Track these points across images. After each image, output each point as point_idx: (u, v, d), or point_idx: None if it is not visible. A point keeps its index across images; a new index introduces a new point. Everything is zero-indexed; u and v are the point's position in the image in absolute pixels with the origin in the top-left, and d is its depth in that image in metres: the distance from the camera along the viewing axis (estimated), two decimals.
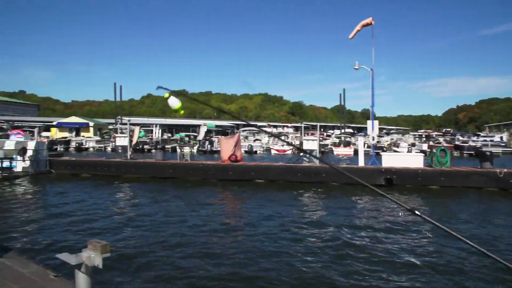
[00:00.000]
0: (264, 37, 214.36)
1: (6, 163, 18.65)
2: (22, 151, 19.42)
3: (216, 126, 70.99)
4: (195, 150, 33.92)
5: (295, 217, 11.32)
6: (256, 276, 6.47)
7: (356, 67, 20.87)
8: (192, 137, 60.89)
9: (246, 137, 54.79)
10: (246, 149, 42.00)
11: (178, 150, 22.84)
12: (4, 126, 26.26)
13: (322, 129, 67.52)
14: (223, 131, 66.76)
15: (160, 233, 9.16)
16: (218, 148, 42.87)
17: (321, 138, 37.44)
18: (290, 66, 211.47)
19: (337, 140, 53.18)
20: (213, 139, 48.09)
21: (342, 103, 68.23)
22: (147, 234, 9.05)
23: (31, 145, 20.17)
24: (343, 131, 61.97)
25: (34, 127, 25.08)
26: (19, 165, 19.48)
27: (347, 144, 45.23)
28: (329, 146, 45.83)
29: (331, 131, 76.19)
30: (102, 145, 48.50)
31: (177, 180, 19.18)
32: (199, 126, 76.14)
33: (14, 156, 19.19)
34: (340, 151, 41.39)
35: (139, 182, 18.50)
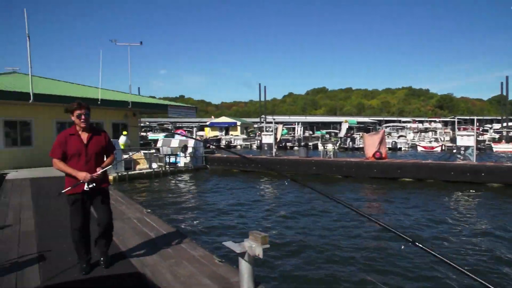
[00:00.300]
0: (406, 26, 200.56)
1: (172, 159, 21.45)
2: (184, 148, 22.06)
3: (358, 122, 69.20)
4: (336, 147, 33.75)
5: (462, 223, 10.37)
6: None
7: None
8: (333, 134, 60.61)
9: (389, 134, 52.13)
10: (390, 146, 40.00)
11: (321, 147, 23.04)
12: (169, 127, 30.33)
13: (477, 123, 60.11)
14: (365, 128, 64.63)
15: (309, 229, 9.40)
16: (360, 145, 41.86)
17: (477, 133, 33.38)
18: (436, 56, 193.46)
19: (496, 136, 46.71)
20: (355, 136, 47.04)
21: (504, 93, 59.35)
22: (296, 227, 9.39)
23: (191, 143, 22.75)
24: (504, 124, 54.00)
25: (191, 127, 28.16)
26: (182, 161, 22.16)
27: (510, 139, 39.34)
28: (487, 142, 40.57)
29: (489, 125, 67.16)
30: (248, 143, 51.88)
31: (320, 177, 19.40)
32: (340, 123, 75.40)
33: (178, 153, 21.94)
34: (501, 147, 36.25)
35: (284, 178, 19.25)
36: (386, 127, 59.39)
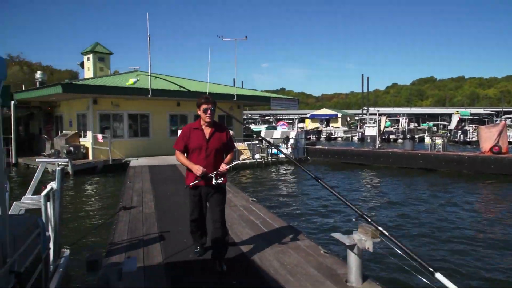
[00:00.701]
0: None
1: (274, 150, 21.93)
2: (286, 139, 22.38)
3: (471, 114, 63.04)
4: (445, 140, 31.25)
5: None
6: None
7: None
8: (441, 126, 56.18)
9: (510, 126, 46.52)
10: (510, 139, 35.72)
11: (429, 140, 21.54)
12: (270, 119, 31.06)
13: None
14: (480, 120, 58.67)
15: (420, 224, 8.93)
16: (473, 139, 38.17)
17: None
18: None
19: None
20: (467, 128, 42.99)
21: None
22: (403, 221, 8.99)
23: (292, 134, 22.99)
24: None
25: (292, 119, 28.42)
26: (283, 151, 22.50)
27: None
28: None
29: None
30: (349, 135, 50.64)
31: (427, 171, 18.19)
32: (449, 114, 69.43)
33: (280, 144, 22.34)
34: None
35: (388, 172, 18.46)
36: (506, 118, 53.07)
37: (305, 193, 13.11)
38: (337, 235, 4.29)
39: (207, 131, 4.35)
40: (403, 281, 5.53)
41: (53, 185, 4.30)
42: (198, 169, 4.17)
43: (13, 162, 19.73)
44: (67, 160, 14.31)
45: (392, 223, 9.09)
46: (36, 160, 5.14)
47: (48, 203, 4.28)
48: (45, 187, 4.30)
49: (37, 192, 4.46)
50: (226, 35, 23.17)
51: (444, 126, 53.75)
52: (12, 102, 20.34)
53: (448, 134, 40.84)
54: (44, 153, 20.41)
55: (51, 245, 4.18)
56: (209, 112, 4.26)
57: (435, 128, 53.53)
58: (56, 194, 4.27)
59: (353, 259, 3.94)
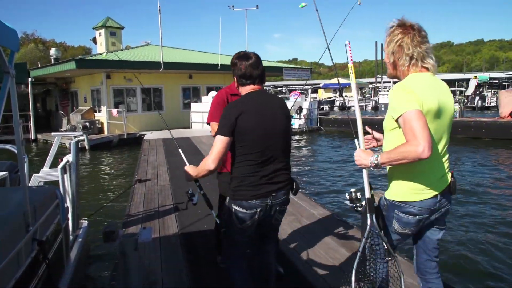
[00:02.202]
0: None
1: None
2: (299, 110, 22.23)
3: (490, 78, 61.24)
4: (462, 106, 30.63)
5: None
6: None
7: None
8: (457, 92, 54.90)
9: None
10: None
11: None
12: (283, 90, 30.82)
13: None
14: (499, 84, 57.07)
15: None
16: (492, 104, 37.31)
17: None
18: None
19: None
20: (485, 93, 41.93)
21: None
22: None
23: (305, 104, 22.80)
24: None
25: (305, 89, 28.18)
26: (297, 123, 22.43)
27: None
28: None
29: None
30: (362, 104, 49.99)
31: None
32: (466, 80, 67.59)
33: (293, 115, 22.22)
34: None
35: None
36: None
37: (318, 164, 13.12)
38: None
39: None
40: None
41: (69, 157, 4.40)
42: None
43: (32, 138, 20.14)
44: (82, 133, 14.52)
45: None
46: (52, 134, 5.24)
47: (65, 175, 4.39)
48: (62, 160, 4.40)
49: (54, 165, 4.57)
50: (237, 5, 22.76)
51: (461, 92, 52.49)
52: (29, 79, 20.59)
53: (465, 100, 39.94)
54: (61, 129, 20.77)
55: (69, 215, 4.31)
56: None
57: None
58: (72, 166, 4.37)
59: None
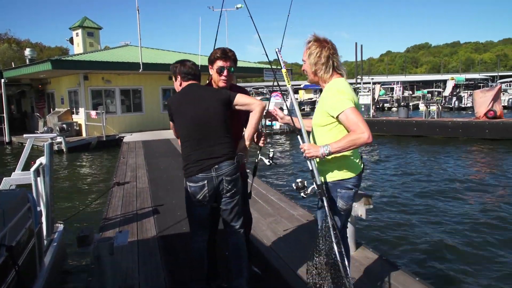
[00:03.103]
0: None
1: (268, 122, 21.83)
2: (280, 110, 22.26)
3: (466, 79, 62.78)
4: (440, 107, 31.28)
5: None
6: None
7: None
8: (435, 93, 56.04)
9: (505, 90, 46.45)
10: (506, 104, 35.85)
11: (423, 107, 21.51)
12: (264, 91, 30.86)
13: None
14: (475, 85, 58.47)
15: (411, 191, 9.01)
16: (468, 105, 38.18)
17: None
18: None
19: None
20: (462, 94, 42.91)
21: None
22: (396, 192, 9.05)
23: (286, 105, 22.86)
24: None
25: (286, 90, 28.33)
26: (277, 123, 22.45)
27: None
28: None
29: None
30: None
31: (421, 138, 18.25)
32: (443, 81, 69.08)
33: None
34: None
35: (382, 140, 18.53)
36: (502, 83, 52.95)
37: (301, 164, 13.16)
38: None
39: None
40: (395, 248, 5.61)
41: (42, 160, 4.26)
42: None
43: (7, 140, 19.60)
44: (56, 134, 14.12)
45: (384, 193, 9.17)
46: (24, 136, 5.08)
47: (38, 178, 4.26)
48: (35, 163, 4.26)
49: (28, 168, 4.43)
50: (217, 6, 22.66)
51: (439, 93, 53.58)
52: (2, 80, 20.02)
53: (443, 101, 40.79)
54: (38, 131, 20.25)
55: (43, 219, 4.18)
56: (225, 73, 2.94)
57: (429, 95, 53.38)
58: (45, 169, 4.24)
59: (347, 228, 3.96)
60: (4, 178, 4.32)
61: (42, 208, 4.23)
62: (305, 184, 2.53)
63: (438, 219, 6.84)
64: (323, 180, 2.53)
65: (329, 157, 2.41)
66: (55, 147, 15.89)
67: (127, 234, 3.44)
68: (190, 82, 2.95)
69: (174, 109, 2.83)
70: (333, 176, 2.50)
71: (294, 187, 2.56)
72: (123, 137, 17.60)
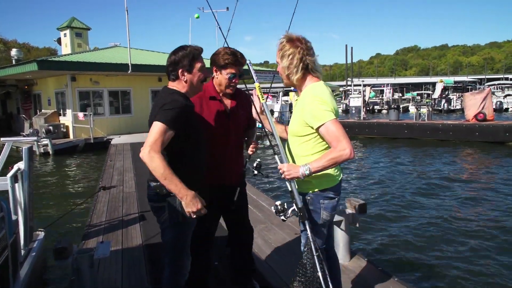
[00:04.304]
0: None
1: (258, 124, 21.68)
2: (271, 112, 22.14)
3: (455, 82, 63.36)
4: (430, 109, 31.42)
5: None
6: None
7: None
8: (425, 95, 56.43)
9: (493, 93, 46.92)
10: (495, 107, 36.11)
11: (414, 110, 21.54)
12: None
13: None
14: (463, 88, 59.05)
15: (404, 197, 8.89)
16: (457, 107, 38.44)
17: None
18: None
19: None
20: (451, 97, 43.23)
21: None
22: (389, 198, 8.92)
23: (276, 107, 22.73)
24: None
25: (276, 92, 28.17)
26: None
27: None
28: None
29: None
30: None
31: (412, 141, 18.24)
32: (432, 83, 69.58)
33: None
34: None
35: (373, 143, 18.49)
36: (490, 85, 53.47)
37: None
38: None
39: (228, 102, 2.82)
40: (389, 256, 5.46)
41: (20, 165, 4.03)
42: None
43: None
44: (36, 138, 13.74)
45: (377, 198, 9.05)
46: (1, 139, 4.83)
47: (16, 184, 4.03)
48: (12, 168, 4.03)
49: (5, 174, 4.19)
50: (207, 7, 22.42)
51: (428, 95, 53.92)
52: None
53: (432, 103, 41.01)
54: (23, 133, 19.81)
55: (21, 228, 3.95)
56: (235, 81, 2.75)
57: (419, 98, 53.73)
58: (24, 174, 4.01)
59: (340, 235, 3.81)
60: None
61: (20, 216, 4.00)
62: (285, 207, 2.35)
63: (434, 226, 6.71)
64: (306, 191, 2.37)
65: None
66: (41, 150, 15.53)
67: (109, 245, 3.24)
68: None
69: None
70: (314, 187, 2.34)
71: (274, 210, 2.37)
72: (111, 139, 17.28)
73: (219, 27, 3.32)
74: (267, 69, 30.73)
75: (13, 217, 3.71)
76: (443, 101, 40.64)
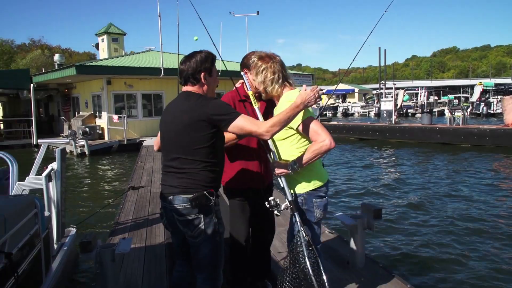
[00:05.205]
0: None
1: None
2: None
3: (496, 84, 60.88)
4: (467, 113, 30.33)
5: None
6: None
7: None
8: (462, 99, 54.62)
9: None
10: None
11: (448, 114, 20.93)
12: None
13: None
14: (505, 91, 56.65)
15: (429, 203, 8.72)
16: (498, 111, 36.91)
17: None
18: None
19: None
20: (491, 100, 41.60)
21: None
22: (415, 202, 8.77)
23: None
24: None
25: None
26: None
27: None
28: None
29: None
30: (366, 110, 49.85)
31: (445, 146, 17.75)
32: (471, 86, 67.12)
33: None
34: None
35: (405, 147, 18.14)
36: None
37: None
38: (339, 216, 4.20)
39: (259, 105, 2.75)
40: (404, 262, 5.42)
41: (54, 165, 4.33)
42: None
43: (34, 143, 20.17)
44: (68, 140, 14.45)
45: (399, 203, 8.93)
46: (38, 141, 5.19)
47: (50, 183, 4.33)
48: (47, 168, 4.34)
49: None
50: (237, 11, 22.74)
51: (466, 98, 52.12)
52: (32, 85, 20.72)
53: (470, 107, 39.61)
54: (63, 134, 20.81)
55: (54, 224, 4.24)
56: None
57: (456, 101, 52.02)
58: (57, 174, 4.31)
59: (355, 240, 3.85)
60: (17, 183, 4.41)
61: (53, 213, 4.29)
62: (278, 202, 2.49)
63: (456, 235, 6.56)
64: (298, 192, 2.52)
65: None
66: (78, 150, 16.29)
67: (130, 241, 3.45)
68: (184, 88, 2.47)
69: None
70: (306, 187, 2.51)
71: (268, 206, 2.51)
72: (143, 141, 17.86)
73: (213, 43, 3.42)
74: (299, 72, 30.74)
75: (46, 214, 4.02)
76: (482, 104, 39.18)
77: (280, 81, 2.52)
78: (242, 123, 2.21)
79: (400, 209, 8.03)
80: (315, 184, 2.51)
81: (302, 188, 2.51)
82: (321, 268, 2.31)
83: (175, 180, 2.28)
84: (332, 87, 67.45)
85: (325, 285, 2.27)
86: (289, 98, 2.46)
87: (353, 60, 3.80)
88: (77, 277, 4.80)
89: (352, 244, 3.84)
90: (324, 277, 2.29)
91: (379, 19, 3.81)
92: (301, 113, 2.35)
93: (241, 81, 2.97)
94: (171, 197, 2.27)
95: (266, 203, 2.53)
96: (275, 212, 2.50)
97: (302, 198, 2.52)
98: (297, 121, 2.38)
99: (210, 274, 2.37)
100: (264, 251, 3.26)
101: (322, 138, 2.30)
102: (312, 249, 2.35)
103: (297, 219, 2.42)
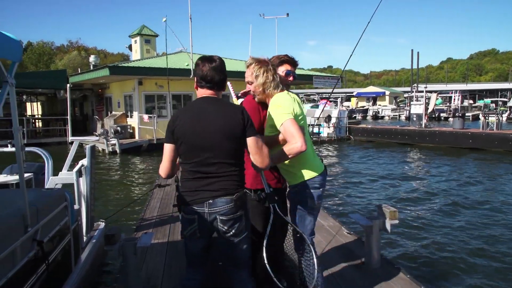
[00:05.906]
0: None
1: (315, 129, 21.73)
2: (328, 118, 22.07)
3: None
4: (504, 117, 29.23)
5: None
6: None
7: None
8: (500, 103, 52.66)
9: None
10: None
11: (482, 118, 20.29)
12: (315, 98, 30.81)
13: None
14: None
15: (453, 209, 8.54)
16: None
17: None
18: None
19: None
20: None
21: None
22: (437, 208, 8.62)
23: (334, 113, 22.61)
24: None
25: (337, 97, 27.93)
26: (325, 131, 22.26)
27: None
28: None
29: None
30: (396, 114, 48.91)
31: (477, 151, 17.21)
32: (511, 90, 64.62)
33: (321, 123, 22.11)
34: None
35: (434, 151, 17.74)
36: None
37: (341, 174, 12.95)
38: (355, 216, 4.25)
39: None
40: (420, 263, 5.38)
41: (84, 162, 4.59)
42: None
43: (69, 141, 21.01)
44: (97, 138, 14.96)
45: (423, 207, 8.78)
46: (70, 139, 5.49)
47: (80, 178, 4.59)
48: (77, 164, 4.60)
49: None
50: (267, 13, 22.93)
51: (504, 102, 50.16)
52: (68, 85, 21.58)
53: (508, 111, 38.14)
54: (96, 133, 21.58)
55: (83, 217, 4.49)
56: (291, 79, 2.92)
57: (493, 105, 50.14)
58: (86, 170, 4.56)
59: (370, 241, 3.90)
60: (50, 178, 4.70)
61: (83, 206, 4.55)
62: (263, 195, 2.71)
63: (477, 240, 6.42)
64: (293, 183, 2.74)
65: (287, 162, 2.65)
66: (110, 148, 16.87)
67: (151, 236, 3.63)
68: (211, 92, 2.43)
69: (178, 127, 2.37)
70: (301, 177, 2.70)
71: (257, 198, 2.74)
72: None
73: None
74: (327, 74, 30.57)
75: (76, 207, 4.27)
76: None
77: (276, 83, 2.69)
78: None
79: (422, 213, 7.92)
80: (309, 174, 2.70)
81: (297, 178, 2.71)
82: (315, 260, 2.46)
83: (214, 184, 2.34)
84: (363, 90, 66.53)
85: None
86: (276, 101, 2.64)
87: (350, 56, 3.88)
88: (105, 268, 5.04)
89: (367, 244, 3.89)
90: (316, 270, 2.46)
91: (375, 9, 3.86)
92: (282, 115, 2.52)
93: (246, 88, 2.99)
94: (210, 201, 2.32)
95: (253, 196, 2.71)
96: (266, 204, 2.65)
97: (297, 189, 2.71)
98: (279, 121, 2.54)
99: (250, 268, 2.56)
100: (277, 247, 3.30)
101: (295, 141, 2.46)
102: (300, 236, 2.53)
103: (278, 211, 2.56)
